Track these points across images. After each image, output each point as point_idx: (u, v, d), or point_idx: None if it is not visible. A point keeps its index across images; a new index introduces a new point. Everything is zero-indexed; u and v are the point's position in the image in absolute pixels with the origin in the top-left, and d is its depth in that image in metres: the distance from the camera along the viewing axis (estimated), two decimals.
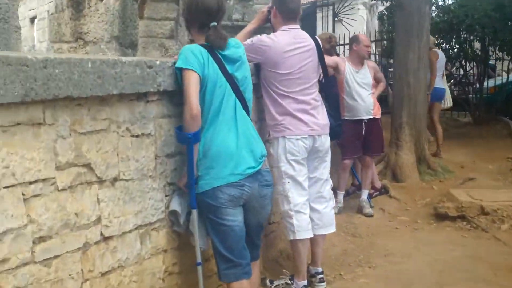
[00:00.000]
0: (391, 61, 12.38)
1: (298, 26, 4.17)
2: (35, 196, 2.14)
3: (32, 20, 20.71)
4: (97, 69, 2.36)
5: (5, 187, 1.99)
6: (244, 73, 3.17)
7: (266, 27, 4.41)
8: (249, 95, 3.21)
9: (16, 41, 5.77)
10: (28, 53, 2.07)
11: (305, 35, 4.17)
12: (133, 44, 6.95)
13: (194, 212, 3.00)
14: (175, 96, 3.04)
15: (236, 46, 3.18)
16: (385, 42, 13.63)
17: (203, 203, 3.00)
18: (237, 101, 3.08)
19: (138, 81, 2.66)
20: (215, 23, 3.10)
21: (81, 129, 2.38)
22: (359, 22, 17.72)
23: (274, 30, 4.20)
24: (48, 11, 15.86)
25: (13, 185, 2.03)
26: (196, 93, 2.88)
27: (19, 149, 2.05)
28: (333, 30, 12.95)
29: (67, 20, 6.71)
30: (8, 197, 2.01)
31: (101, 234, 2.53)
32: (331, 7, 13.57)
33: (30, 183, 2.12)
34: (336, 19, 13.38)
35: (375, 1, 14.76)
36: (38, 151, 2.14)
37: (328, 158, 4.30)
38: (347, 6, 13.44)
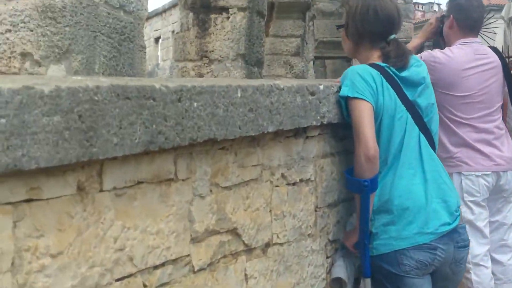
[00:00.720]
0: None
1: (479, 40, 3.41)
2: (163, 285, 1.47)
3: (157, 40, 21.12)
4: (249, 99, 1.67)
5: (118, 280, 1.32)
6: (429, 100, 2.43)
7: None
8: (435, 127, 2.45)
9: (141, 60, 5.50)
10: (155, 81, 1.40)
11: (487, 49, 3.42)
12: (259, 62, 6.58)
13: (368, 282, 2.28)
14: (338, 129, 2.32)
15: (417, 64, 2.44)
16: None
17: (380, 270, 2.28)
18: (421, 135, 2.35)
19: (299, 113, 1.96)
20: (395, 36, 2.38)
21: (225, 182, 1.69)
22: (496, 36, 16.36)
23: (446, 44, 3.47)
24: (173, 31, 15.95)
25: (131, 275, 1.36)
26: (372, 129, 2.18)
27: (139, 220, 1.38)
28: None
29: (192, 38, 6.44)
30: None
31: None
32: None
33: (155, 267, 1.44)
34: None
35: None
36: (167, 220, 1.47)
37: None
38: (489, 18, 12.24)
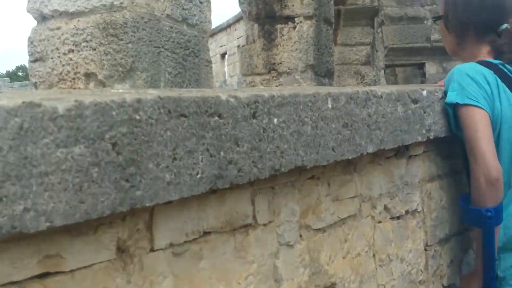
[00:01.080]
0: None
1: None
2: None
3: (223, 56, 21.07)
4: (342, 111, 1.26)
5: None
6: None
7: None
8: None
9: (207, 76, 5.33)
10: (221, 91, 1.02)
11: None
12: (330, 72, 6.36)
13: None
14: (443, 144, 1.89)
15: None
16: None
17: None
18: None
19: (401, 126, 1.53)
20: (507, 25, 1.93)
21: (317, 223, 1.29)
22: None
23: None
24: (238, 45, 15.78)
25: None
26: (491, 143, 1.74)
27: (208, 287, 0.99)
28: None
29: (259, 51, 6.30)
30: None
31: None
32: None
33: None
34: None
35: None
36: (245, 283, 1.07)
37: None
38: None
